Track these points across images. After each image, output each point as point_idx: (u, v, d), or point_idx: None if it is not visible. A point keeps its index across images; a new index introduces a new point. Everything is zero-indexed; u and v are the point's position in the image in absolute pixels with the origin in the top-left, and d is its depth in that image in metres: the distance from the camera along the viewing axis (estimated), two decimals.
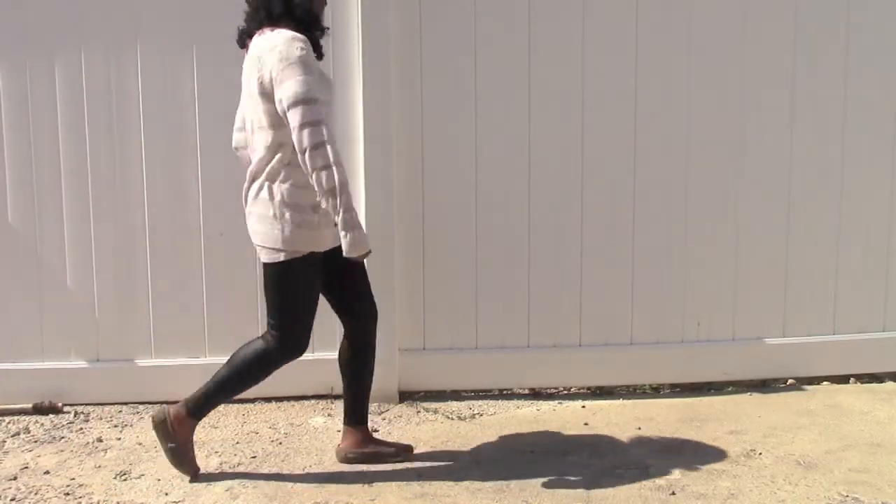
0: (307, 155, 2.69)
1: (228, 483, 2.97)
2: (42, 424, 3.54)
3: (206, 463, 3.14)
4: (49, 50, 3.60)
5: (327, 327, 3.77)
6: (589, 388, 3.89)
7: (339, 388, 3.74)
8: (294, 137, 2.71)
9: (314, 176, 2.70)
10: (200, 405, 2.97)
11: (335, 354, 3.74)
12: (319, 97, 2.73)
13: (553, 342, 3.86)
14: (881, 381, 3.96)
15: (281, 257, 2.84)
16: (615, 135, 3.78)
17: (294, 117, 2.69)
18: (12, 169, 3.64)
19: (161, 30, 3.62)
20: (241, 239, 3.68)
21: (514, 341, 3.84)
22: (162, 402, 3.69)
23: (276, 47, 2.74)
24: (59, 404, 3.66)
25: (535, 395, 3.86)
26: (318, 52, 2.90)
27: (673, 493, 2.84)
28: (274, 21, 2.82)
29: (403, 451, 3.18)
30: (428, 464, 3.11)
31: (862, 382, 3.95)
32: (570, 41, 3.73)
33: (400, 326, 3.73)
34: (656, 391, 3.91)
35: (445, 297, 3.80)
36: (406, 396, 3.79)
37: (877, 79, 3.86)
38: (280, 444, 3.32)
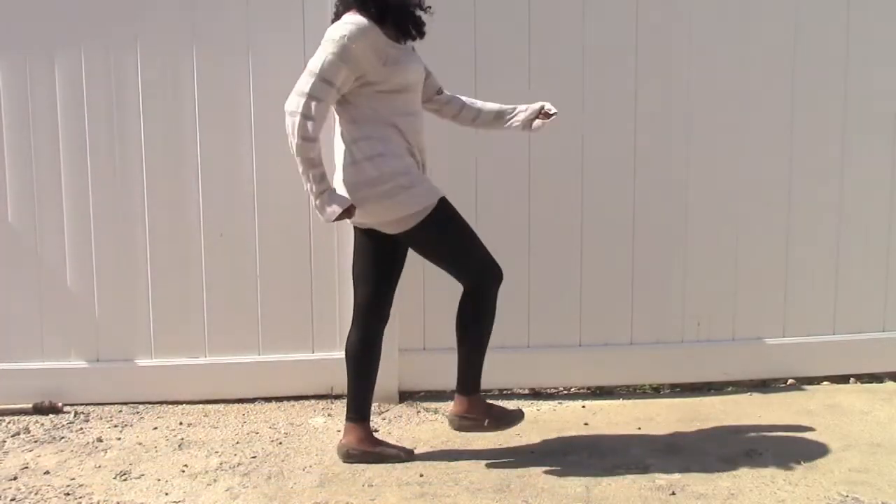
0: (287, 119, 2.80)
1: (228, 483, 2.97)
2: (42, 424, 3.54)
3: (206, 463, 3.14)
4: (49, 50, 3.60)
5: (327, 327, 3.78)
6: (589, 388, 3.89)
7: (338, 388, 3.78)
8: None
9: (290, 139, 2.81)
10: (474, 382, 3.11)
11: (335, 354, 3.77)
12: (329, 78, 2.79)
13: (553, 342, 3.86)
14: (881, 381, 3.96)
15: (422, 217, 2.92)
16: (615, 135, 3.78)
17: (297, 82, 2.82)
18: (12, 169, 3.65)
19: (161, 29, 3.62)
20: (241, 239, 3.72)
21: (514, 341, 3.83)
22: (162, 402, 3.72)
23: (330, 28, 2.88)
24: (59, 404, 3.66)
25: (535, 395, 3.87)
26: (405, 35, 2.96)
27: (673, 493, 2.84)
28: (347, 7, 2.93)
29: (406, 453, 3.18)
30: (428, 464, 3.11)
31: (862, 382, 3.95)
32: (571, 41, 3.73)
33: (400, 326, 3.72)
34: (656, 391, 3.92)
35: (445, 297, 3.77)
36: (406, 396, 3.79)
37: (877, 79, 3.86)
38: (280, 444, 3.32)
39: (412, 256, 3.73)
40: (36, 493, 2.91)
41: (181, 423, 3.53)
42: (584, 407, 3.69)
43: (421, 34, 2.99)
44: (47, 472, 3.08)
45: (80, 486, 2.97)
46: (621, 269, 3.84)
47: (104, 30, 3.60)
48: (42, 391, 3.68)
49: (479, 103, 3.27)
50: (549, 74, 3.72)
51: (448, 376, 3.80)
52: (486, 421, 3.15)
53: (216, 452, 3.24)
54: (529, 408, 3.69)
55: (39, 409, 3.64)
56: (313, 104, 2.78)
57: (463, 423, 3.17)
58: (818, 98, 3.84)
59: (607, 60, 3.75)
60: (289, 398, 3.77)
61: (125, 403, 3.73)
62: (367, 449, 3.12)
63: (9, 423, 3.55)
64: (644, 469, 3.03)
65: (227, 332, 3.74)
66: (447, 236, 3.01)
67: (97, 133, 3.64)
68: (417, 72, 3.01)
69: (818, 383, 3.93)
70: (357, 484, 2.94)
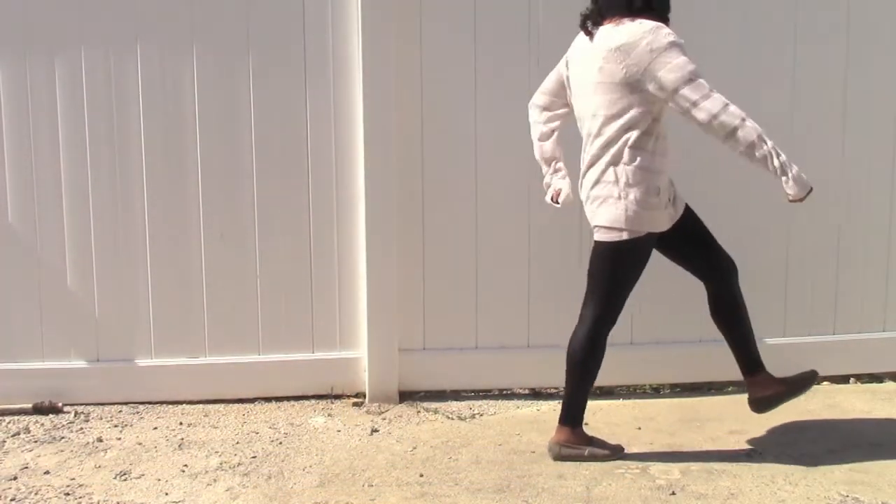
0: (717, 121, 2.82)
1: (228, 483, 2.97)
2: (42, 424, 3.54)
3: (206, 463, 3.14)
4: (49, 50, 3.60)
5: (328, 327, 3.78)
6: None
7: (338, 388, 3.79)
8: (693, 113, 2.84)
9: (731, 137, 2.83)
10: (573, 413, 3.15)
11: (335, 354, 3.78)
12: (701, 73, 2.84)
13: (553, 342, 3.84)
14: (881, 381, 3.96)
15: (623, 236, 2.97)
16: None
17: (688, 95, 2.83)
18: (12, 169, 3.64)
19: (161, 29, 3.62)
20: (241, 239, 3.72)
21: (514, 341, 3.84)
22: (162, 402, 3.71)
23: (643, 38, 2.85)
24: (59, 404, 3.66)
25: (535, 395, 3.86)
26: None
27: (673, 493, 2.84)
28: (633, 11, 2.92)
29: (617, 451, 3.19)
30: (428, 464, 3.11)
31: (862, 382, 3.95)
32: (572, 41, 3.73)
33: (400, 326, 3.73)
34: (656, 391, 3.92)
35: (445, 297, 3.80)
36: (406, 396, 3.79)
37: (877, 78, 3.86)
38: (280, 444, 3.32)
39: (412, 257, 3.75)
40: (36, 493, 2.91)
41: (181, 423, 3.53)
42: None
43: None
44: (47, 472, 3.08)
45: (80, 486, 2.97)
46: None
47: (104, 30, 3.60)
48: (42, 391, 3.67)
49: (555, 136, 3.26)
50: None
51: (448, 376, 3.82)
52: (786, 388, 3.17)
53: (216, 452, 3.24)
54: (529, 408, 3.69)
55: (39, 409, 3.64)
56: (718, 95, 2.82)
57: (764, 396, 3.17)
58: (818, 98, 3.84)
59: None
60: (289, 398, 3.77)
61: (125, 403, 3.72)
62: (579, 447, 3.13)
63: (9, 423, 3.55)
64: (644, 469, 3.03)
65: (227, 332, 3.74)
66: (617, 267, 3.08)
67: (97, 133, 3.64)
68: None
69: (818, 383, 3.92)
70: (357, 484, 2.94)
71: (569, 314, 3.83)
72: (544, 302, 3.83)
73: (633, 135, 2.93)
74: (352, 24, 3.64)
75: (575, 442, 3.12)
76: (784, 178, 2.87)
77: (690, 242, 3.19)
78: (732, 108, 2.83)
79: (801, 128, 3.83)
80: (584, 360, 3.12)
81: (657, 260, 3.85)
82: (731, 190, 3.85)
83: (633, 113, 2.91)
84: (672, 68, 2.83)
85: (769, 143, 2.85)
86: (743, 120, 2.83)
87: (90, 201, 3.67)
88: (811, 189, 2.90)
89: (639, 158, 2.94)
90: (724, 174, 3.84)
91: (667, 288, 3.87)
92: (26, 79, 3.61)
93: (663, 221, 3.05)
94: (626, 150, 2.94)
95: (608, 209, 2.97)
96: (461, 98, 3.72)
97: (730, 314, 3.19)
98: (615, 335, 3.86)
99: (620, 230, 2.97)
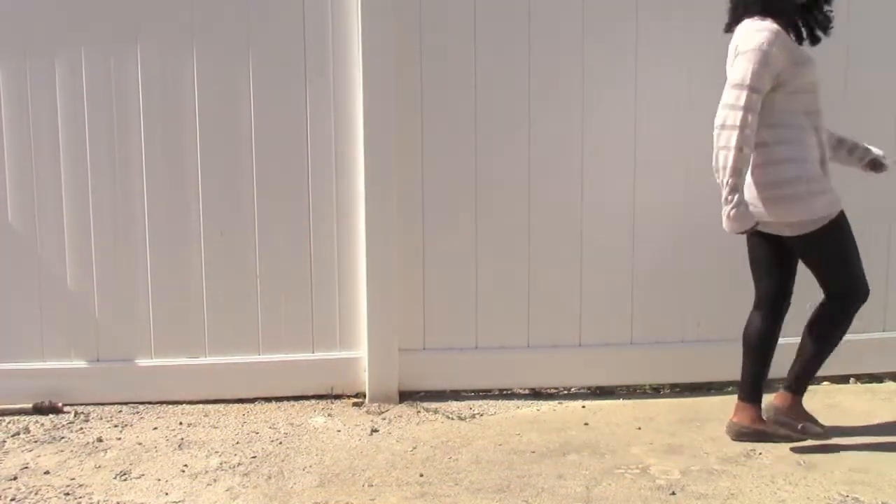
0: (716, 132, 2.98)
1: (228, 483, 2.97)
2: (42, 424, 3.54)
3: (206, 463, 3.14)
4: (49, 50, 3.60)
5: (328, 327, 3.78)
6: (589, 388, 3.89)
7: (338, 388, 3.79)
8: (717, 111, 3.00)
9: (715, 152, 2.99)
10: (802, 383, 3.21)
11: (335, 354, 3.78)
12: (758, 87, 2.95)
13: (553, 342, 3.86)
14: (881, 381, 3.96)
15: (822, 223, 3.04)
16: (615, 135, 3.78)
17: (723, 96, 2.99)
18: (12, 169, 3.64)
19: (161, 29, 3.62)
20: (241, 239, 3.72)
21: (514, 341, 3.84)
22: (162, 402, 3.71)
23: (741, 36, 3.02)
24: (59, 404, 3.66)
25: (535, 395, 3.86)
26: (810, 37, 3.15)
27: (673, 493, 2.84)
28: (749, 11, 3.05)
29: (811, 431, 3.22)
30: (428, 464, 3.11)
31: (862, 382, 3.95)
32: (571, 42, 3.73)
33: (400, 326, 3.73)
34: (656, 391, 3.91)
35: (445, 297, 3.80)
36: (406, 396, 3.79)
37: (877, 78, 3.86)
38: (280, 444, 3.32)
39: (412, 257, 3.75)
40: (36, 493, 2.91)
41: (181, 423, 3.53)
42: (584, 407, 3.69)
43: (826, 33, 3.15)
44: (47, 472, 3.08)
45: (80, 486, 2.97)
46: (621, 270, 3.84)
47: (104, 30, 3.60)
48: (42, 391, 3.67)
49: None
50: (549, 75, 3.72)
51: (448, 376, 3.82)
52: (800, 426, 3.21)
53: (216, 452, 3.24)
54: (529, 408, 3.69)
55: (39, 409, 3.64)
56: (749, 116, 2.93)
57: (779, 418, 3.22)
58: None
59: (607, 62, 3.75)
60: (289, 398, 3.77)
61: (125, 403, 3.72)
62: (759, 428, 3.21)
63: (9, 423, 3.55)
64: (644, 469, 3.03)
65: (227, 332, 3.74)
66: (837, 246, 3.11)
67: (97, 133, 3.64)
68: (816, 70, 3.11)
69: (818, 383, 3.92)
70: (357, 484, 2.94)
71: (569, 314, 3.86)
72: (544, 302, 3.82)
73: (761, 134, 3.08)
74: (352, 24, 3.64)
75: (792, 416, 3.21)
76: (724, 210, 3.00)
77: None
78: (738, 134, 2.92)
79: None
80: (829, 337, 3.22)
81: (658, 260, 3.86)
82: None
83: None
84: (736, 69, 2.98)
85: (729, 178, 2.94)
86: (729, 149, 2.93)
87: (90, 201, 3.67)
88: (742, 231, 3.03)
89: (778, 154, 3.09)
90: None
91: (667, 288, 3.88)
92: (26, 78, 3.61)
93: (837, 201, 3.11)
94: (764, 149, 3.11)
95: (791, 207, 3.06)
96: (461, 98, 3.72)
97: (821, 330, 3.23)
98: (615, 335, 3.88)
99: (816, 220, 3.06)
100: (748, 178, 3.08)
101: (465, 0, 3.68)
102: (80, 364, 3.74)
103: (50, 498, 2.88)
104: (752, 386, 3.26)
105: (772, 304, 3.26)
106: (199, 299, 3.73)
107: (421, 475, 3.00)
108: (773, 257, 3.23)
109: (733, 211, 2.98)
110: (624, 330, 3.87)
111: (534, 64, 3.73)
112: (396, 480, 2.96)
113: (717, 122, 2.99)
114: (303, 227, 3.73)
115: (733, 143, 2.93)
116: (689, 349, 3.87)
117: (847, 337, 3.90)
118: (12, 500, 2.87)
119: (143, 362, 3.74)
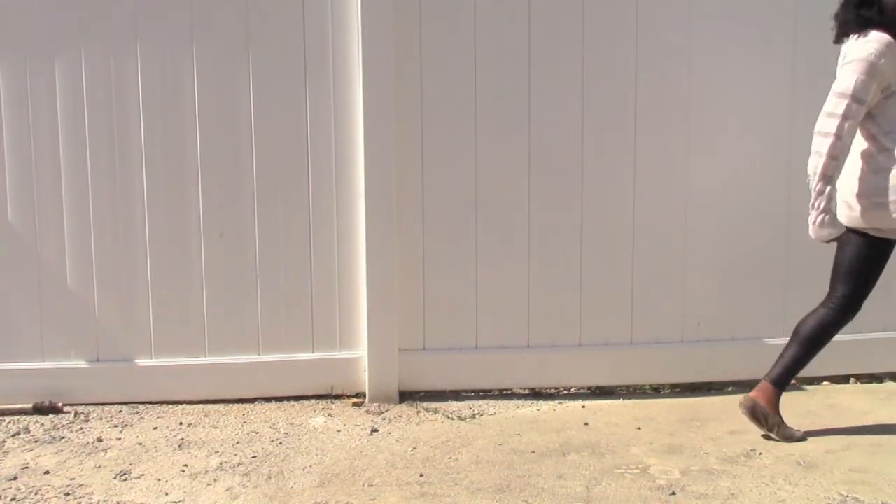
0: (814, 137, 3.04)
1: (228, 483, 2.97)
2: (42, 424, 3.54)
3: (206, 463, 3.14)
4: (49, 50, 3.60)
5: (328, 327, 3.78)
6: (589, 388, 3.89)
7: (338, 388, 3.79)
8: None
9: (812, 154, 3.04)
10: (783, 379, 3.24)
11: (335, 354, 3.78)
12: (860, 96, 2.99)
13: (553, 342, 3.86)
14: (881, 381, 3.96)
15: (880, 234, 3.11)
16: (615, 136, 3.78)
17: (826, 104, 3.04)
18: (12, 169, 3.64)
19: (161, 29, 3.62)
20: (241, 239, 3.72)
21: (514, 341, 3.84)
22: (162, 402, 3.72)
23: (851, 46, 3.06)
24: (59, 404, 3.66)
25: (535, 395, 3.87)
26: None
27: (673, 493, 2.84)
28: (862, 26, 3.07)
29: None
30: (428, 464, 3.11)
31: (862, 382, 3.95)
32: (570, 42, 3.73)
33: (400, 326, 3.73)
34: (656, 391, 3.92)
35: (445, 297, 3.80)
36: (406, 396, 3.79)
37: None
38: (280, 444, 3.32)
39: (412, 257, 3.75)
40: (36, 493, 2.91)
41: (181, 423, 3.53)
42: (584, 407, 3.70)
43: None
44: (47, 472, 3.08)
45: (80, 486, 2.97)
46: (622, 270, 3.84)
47: (104, 30, 3.60)
48: (42, 391, 3.68)
49: None
50: (548, 77, 3.72)
51: (448, 376, 3.82)
52: (775, 425, 3.24)
53: (216, 452, 3.24)
54: (529, 408, 3.69)
55: (39, 409, 3.64)
56: (847, 125, 2.98)
57: (757, 409, 3.24)
58: (818, 98, 3.82)
59: (607, 62, 3.75)
60: (289, 398, 3.77)
61: (125, 403, 3.73)
62: (772, 413, 3.23)
63: (9, 423, 3.55)
64: (644, 469, 3.03)
65: (227, 332, 3.74)
66: (870, 262, 3.17)
67: (97, 133, 3.64)
68: None
69: (818, 383, 3.93)
70: (357, 484, 2.94)
71: (569, 314, 3.86)
72: (544, 302, 3.82)
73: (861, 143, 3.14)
74: (352, 25, 3.64)
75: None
76: (811, 216, 3.06)
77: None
78: (832, 141, 2.97)
79: (799, 127, 3.83)
80: (811, 341, 3.28)
81: (657, 260, 3.87)
82: (731, 190, 3.85)
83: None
84: (840, 79, 3.03)
85: (818, 184, 3.01)
86: (821, 155, 2.99)
87: (90, 201, 3.67)
88: (828, 240, 3.10)
89: (874, 163, 3.12)
90: (722, 175, 3.85)
91: (667, 288, 3.88)
92: (26, 79, 3.61)
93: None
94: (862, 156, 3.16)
95: (859, 211, 3.12)
96: (462, 98, 3.72)
97: (796, 332, 3.28)
98: (615, 335, 3.89)
99: (876, 229, 3.13)
100: (855, 186, 3.09)
101: (465, 1, 3.68)
102: (80, 364, 3.74)
103: (50, 498, 2.88)
104: (786, 372, 3.26)
105: (853, 304, 3.27)
106: (199, 299, 3.73)
107: (421, 475, 3.00)
108: (872, 262, 3.23)
109: (819, 217, 3.04)
110: (624, 330, 3.87)
111: (534, 64, 3.73)
112: (396, 480, 2.97)
113: (816, 127, 3.03)
114: (303, 227, 3.73)
115: (826, 149, 2.98)
116: (689, 349, 3.87)
117: (847, 337, 3.92)
118: (12, 500, 2.87)
119: (143, 362, 3.75)
